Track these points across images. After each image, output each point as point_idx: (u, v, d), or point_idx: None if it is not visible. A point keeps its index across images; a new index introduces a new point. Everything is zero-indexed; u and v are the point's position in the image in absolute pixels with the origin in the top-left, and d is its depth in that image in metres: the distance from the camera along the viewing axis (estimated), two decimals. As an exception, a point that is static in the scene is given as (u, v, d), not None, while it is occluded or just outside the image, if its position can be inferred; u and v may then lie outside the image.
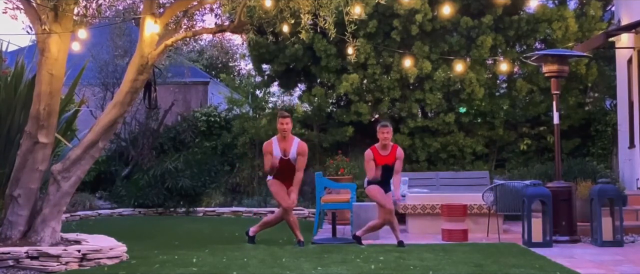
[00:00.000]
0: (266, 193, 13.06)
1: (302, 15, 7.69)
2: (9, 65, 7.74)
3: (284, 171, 7.82)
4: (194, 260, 6.59)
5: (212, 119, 14.44)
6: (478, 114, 13.29)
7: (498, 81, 13.68)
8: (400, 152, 7.98)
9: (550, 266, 6.25)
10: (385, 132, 7.89)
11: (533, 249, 7.46)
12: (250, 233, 8.14)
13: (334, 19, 7.72)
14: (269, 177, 8.00)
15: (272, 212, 12.51)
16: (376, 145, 7.92)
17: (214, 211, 12.75)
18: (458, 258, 6.64)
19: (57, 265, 6.02)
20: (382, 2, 8.96)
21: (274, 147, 7.83)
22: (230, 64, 24.45)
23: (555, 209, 8.09)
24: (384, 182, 7.91)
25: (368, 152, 7.94)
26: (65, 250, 6.14)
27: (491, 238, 8.73)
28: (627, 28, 10.26)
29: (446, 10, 10.81)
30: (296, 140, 7.93)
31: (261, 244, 8.01)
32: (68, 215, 11.10)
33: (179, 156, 13.55)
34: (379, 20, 12.53)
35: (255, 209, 12.48)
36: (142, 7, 7.57)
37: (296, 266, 6.20)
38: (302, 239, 7.91)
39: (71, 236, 7.16)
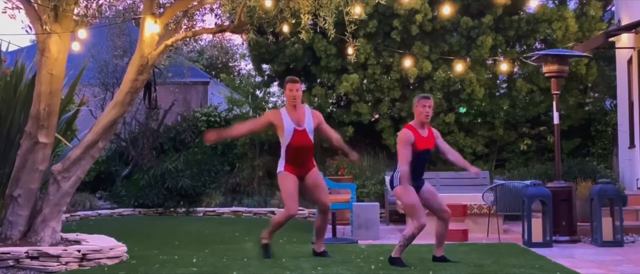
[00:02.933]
0: (266, 193, 13.05)
1: (302, 15, 7.68)
2: (9, 65, 7.73)
3: (300, 149, 6.37)
4: (194, 260, 6.58)
5: (212, 119, 14.44)
6: (478, 114, 13.29)
7: (498, 81, 13.69)
8: (435, 131, 6.42)
9: (550, 266, 6.25)
10: (427, 106, 6.08)
11: (533, 249, 7.46)
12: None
13: (334, 19, 7.72)
14: (281, 168, 6.41)
15: (273, 213, 12.58)
16: (413, 123, 6.16)
17: (214, 211, 12.75)
18: (458, 258, 6.64)
19: (57, 265, 6.02)
20: (382, 2, 8.96)
21: (284, 118, 6.35)
22: (230, 64, 24.45)
23: (555, 209, 8.09)
24: (417, 175, 6.10)
25: (406, 133, 6.03)
26: (65, 250, 6.14)
27: (491, 238, 8.73)
28: (627, 28, 10.25)
29: (446, 10, 10.84)
30: (307, 108, 6.54)
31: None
32: (68, 215, 11.10)
33: (179, 156, 13.55)
34: (379, 20, 12.53)
35: (255, 209, 12.48)
36: (142, 7, 7.57)
37: (296, 266, 6.20)
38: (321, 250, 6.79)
39: (71, 236, 7.16)
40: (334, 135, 6.70)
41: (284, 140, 6.36)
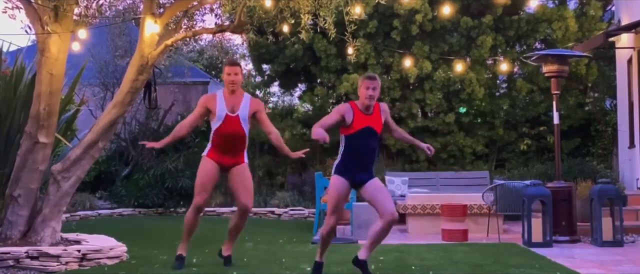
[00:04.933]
0: (266, 193, 13.05)
1: (302, 15, 7.69)
2: (9, 65, 7.73)
3: (228, 136, 5.98)
4: (194, 260, 6.59)
5: (212, 119, 14.42)
6: (478, 114, 13.30)
7: (498, 81, 13.71)
8: (384, 106, 5.51)
9: (550, 266, 6.25)
10: (371, 88, 5.30)
11: (533, 249, 7.45)
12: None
13: (334, 19, 7.72)
14: (204, 153, 6.08)
15: (273, 212, 12.58)
16: (357, 102, 5.41)
17: (214, 211, 12.75)
18: (458, 258, 6.64)
19: (57, 265, 6.02)
20: (382, 2, 8.96)
21: (218, 102, 5.97)
22: (231, 64, 24.42)
23: (555, 209, 8.09)
24: (357, 165, 5.36)
25: (344, 105, 5.43)
26: (65, 250, 6.14)
27: (491, 238, 8.73)
28: (627, 28, 10.25)
29: (446, 10, 10.84)
30: (247, 96, 6.06)
31: (261, 244, 8.01)
32: (68, 215, 11.10)
33: (179, 156, 13.54)
34: (379, 20, 12.54)
35: (255, 209, 12.44)
36: (142, 7, 7.57)
37: (296, 266, 6.20)
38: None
39: (71, 236, 7.16)
40: (272, 129, 6.01)
41: (214, 124, 6.01)
